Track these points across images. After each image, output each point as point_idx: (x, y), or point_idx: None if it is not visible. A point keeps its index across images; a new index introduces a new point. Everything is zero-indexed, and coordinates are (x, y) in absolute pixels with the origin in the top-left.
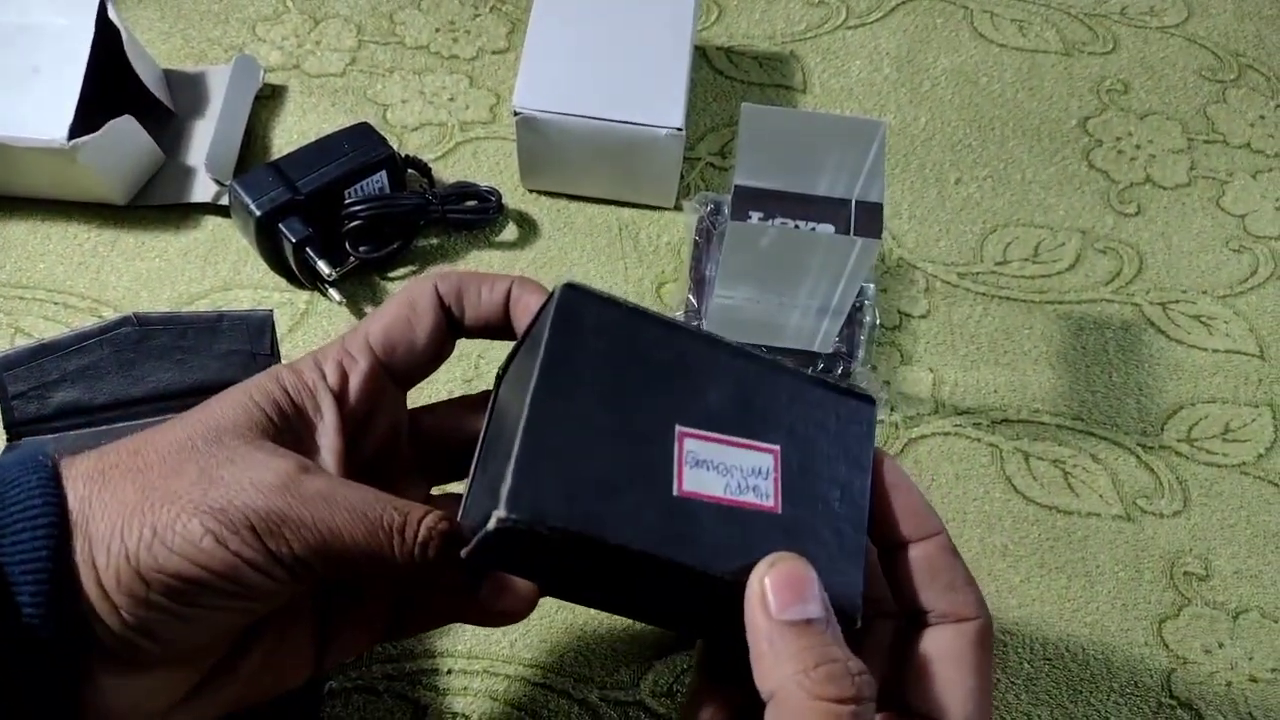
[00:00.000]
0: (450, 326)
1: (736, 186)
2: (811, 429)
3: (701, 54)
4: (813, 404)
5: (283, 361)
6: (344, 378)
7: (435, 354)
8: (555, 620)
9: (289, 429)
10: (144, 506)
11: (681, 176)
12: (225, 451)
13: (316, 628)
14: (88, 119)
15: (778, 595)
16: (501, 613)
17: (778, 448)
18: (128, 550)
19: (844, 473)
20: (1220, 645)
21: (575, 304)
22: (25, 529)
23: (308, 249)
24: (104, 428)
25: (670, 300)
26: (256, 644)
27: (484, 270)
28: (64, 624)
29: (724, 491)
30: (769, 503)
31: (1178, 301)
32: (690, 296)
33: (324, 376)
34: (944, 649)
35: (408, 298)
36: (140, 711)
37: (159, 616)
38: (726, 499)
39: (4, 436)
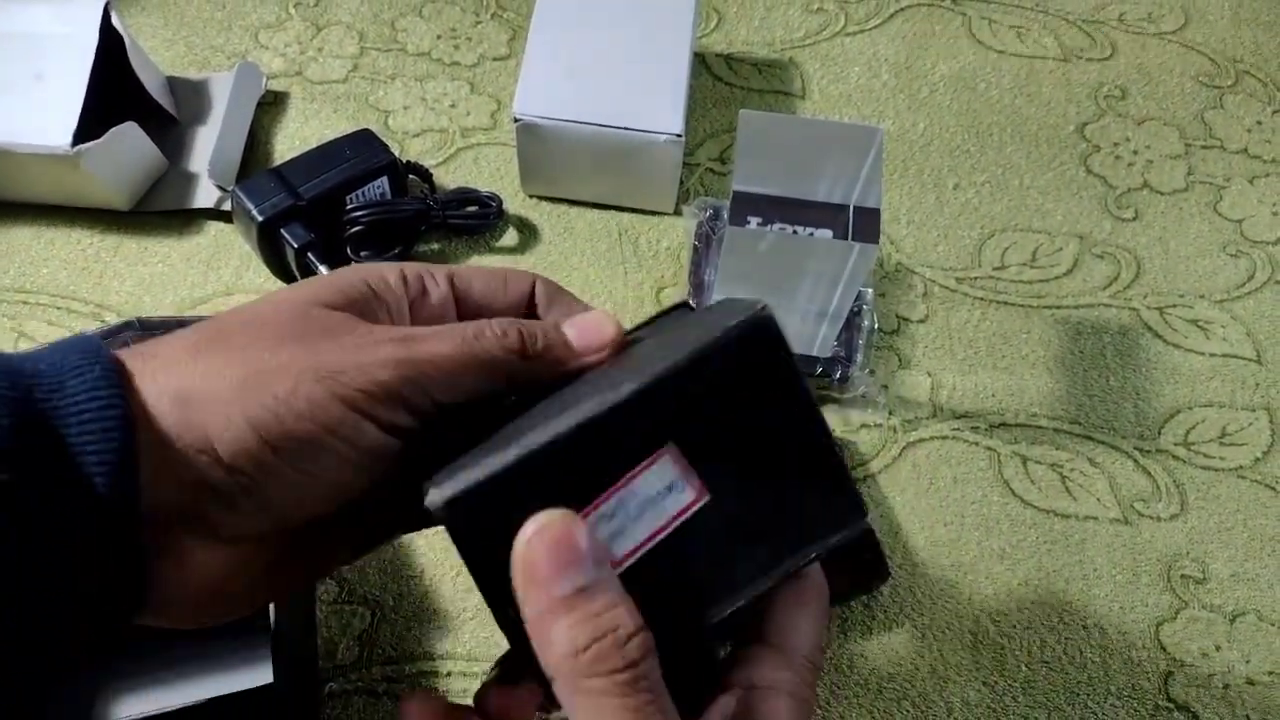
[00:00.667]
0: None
1: (735, 192)
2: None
3: (701, 61)
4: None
5: None
6: (423, 292)
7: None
8: None
9: (363, 314)
10: (256, 378)
11: (681, 182)
12: (316, 322)
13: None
14: (91, 125)
15: (544, 567)
16: None
17: (669, 448)
18: (249, 418)
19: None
20: (1217, 648)
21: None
22: (89, 397)
23: (310, 254)
24: None
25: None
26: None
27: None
28: (127, 491)
29: (648, 532)
30: (692, 497)
31: (1175, 306)
32: (690, 301)
33: (405, 281)
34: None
35: (504, 272)
36: (215, 587)
37: (264, 478)
38: (656, 533)
39: None
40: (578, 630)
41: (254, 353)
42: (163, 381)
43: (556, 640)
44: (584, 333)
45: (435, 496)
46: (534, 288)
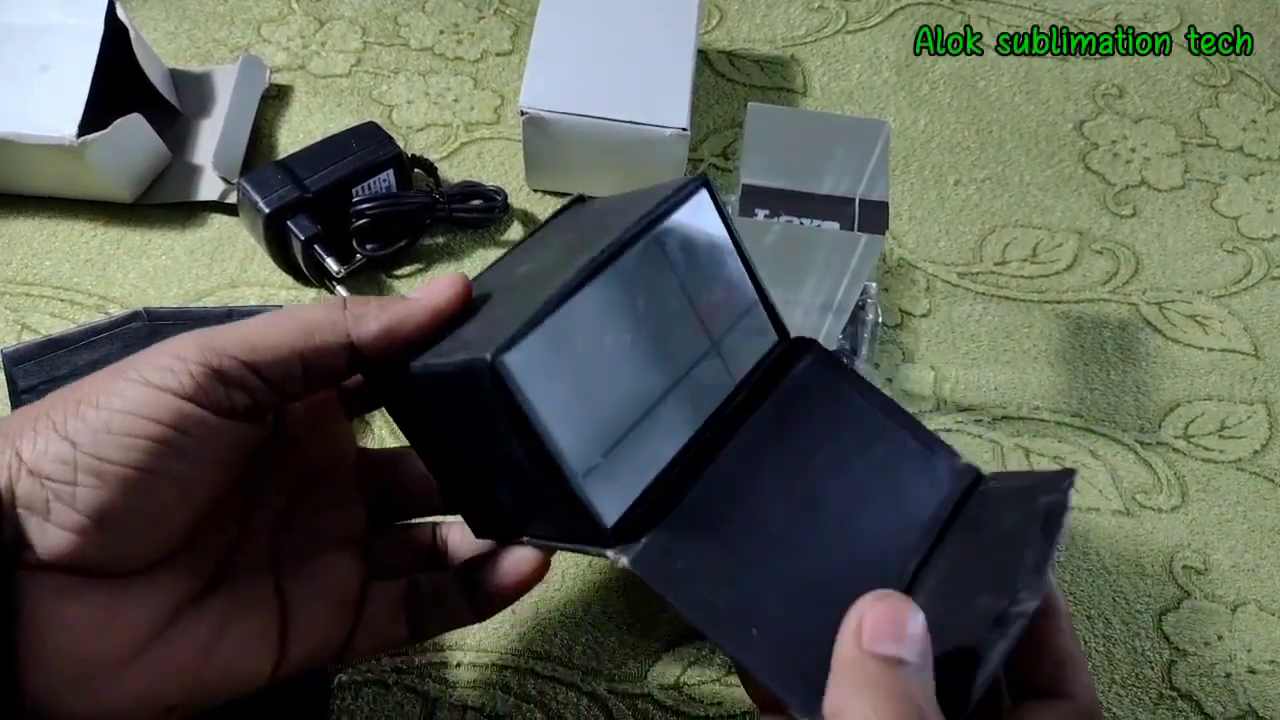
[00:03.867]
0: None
1: (743, 185)
2: None
3: (703, 58)
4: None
5: None
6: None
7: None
8: (565, 614)
9: None
10: (65, 396)
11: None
12: (134, 354)
13: (278, 611)
14: (96, 117)
15: (873, 627)
16: (516, 583)
17: None
18: (56, 426)
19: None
20: (1219, 638)
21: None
22: None
23: (316, 246)
24: None
25: None
26: (213, 601)
27: None
28: None
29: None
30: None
31: (1173, 301)
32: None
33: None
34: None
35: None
36: (93, 653)
37: (92, 482)
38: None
39: None
40: (883, 692)
41: (67, 390)
42: None
43: (861, 683)
44: (425, 287)
45: (475, 355)
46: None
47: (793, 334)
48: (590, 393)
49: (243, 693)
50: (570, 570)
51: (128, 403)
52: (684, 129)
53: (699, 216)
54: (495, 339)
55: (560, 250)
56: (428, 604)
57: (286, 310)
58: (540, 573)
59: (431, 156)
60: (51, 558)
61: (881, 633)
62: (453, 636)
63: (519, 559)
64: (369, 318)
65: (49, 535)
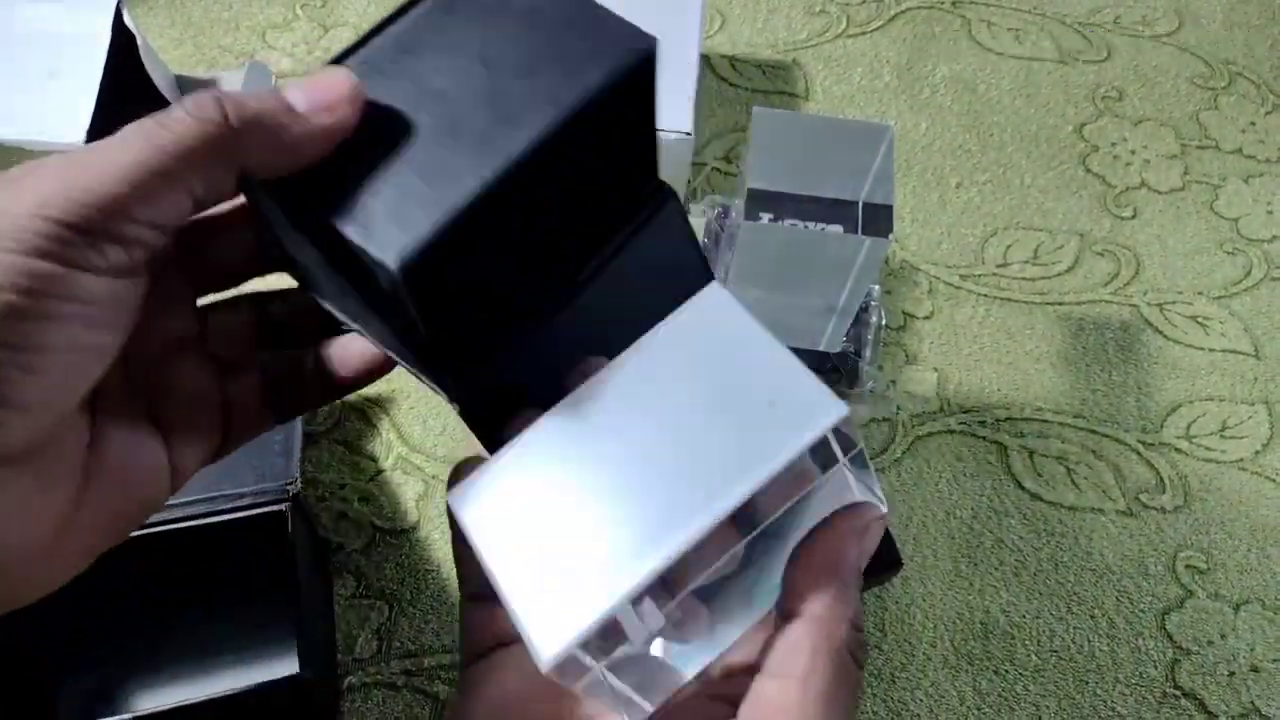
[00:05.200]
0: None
1: (749, 189)
2: None
3: (706, 62)
4: None
5: None
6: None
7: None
8: None
9: None
10: None
11: (688, 181)
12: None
13: (162, 438)
14: (104, 122)
15: (869, 547)
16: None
17: None
18: None
19: None
20: (1222, 636)
21: None
22: None
23: None
24: None
25: None
26: (103, 448)
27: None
28: None
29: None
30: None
31: (1174, 302)
32: None
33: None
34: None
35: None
36: (13, 537)
37: None
38: None
39: None
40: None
41: None
42: None
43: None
44: (310, 90)
45: (383, 254)
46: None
47: (798, 337)
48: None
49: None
50: None
51: (7, 278)
52: (688, 133)
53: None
54: (405, 235)
55: (474, 82)
56: (285, 390)
57: (149, 133)
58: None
59: None
60: None
61: (865, 550)
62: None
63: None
64: (261, 139)
65: None
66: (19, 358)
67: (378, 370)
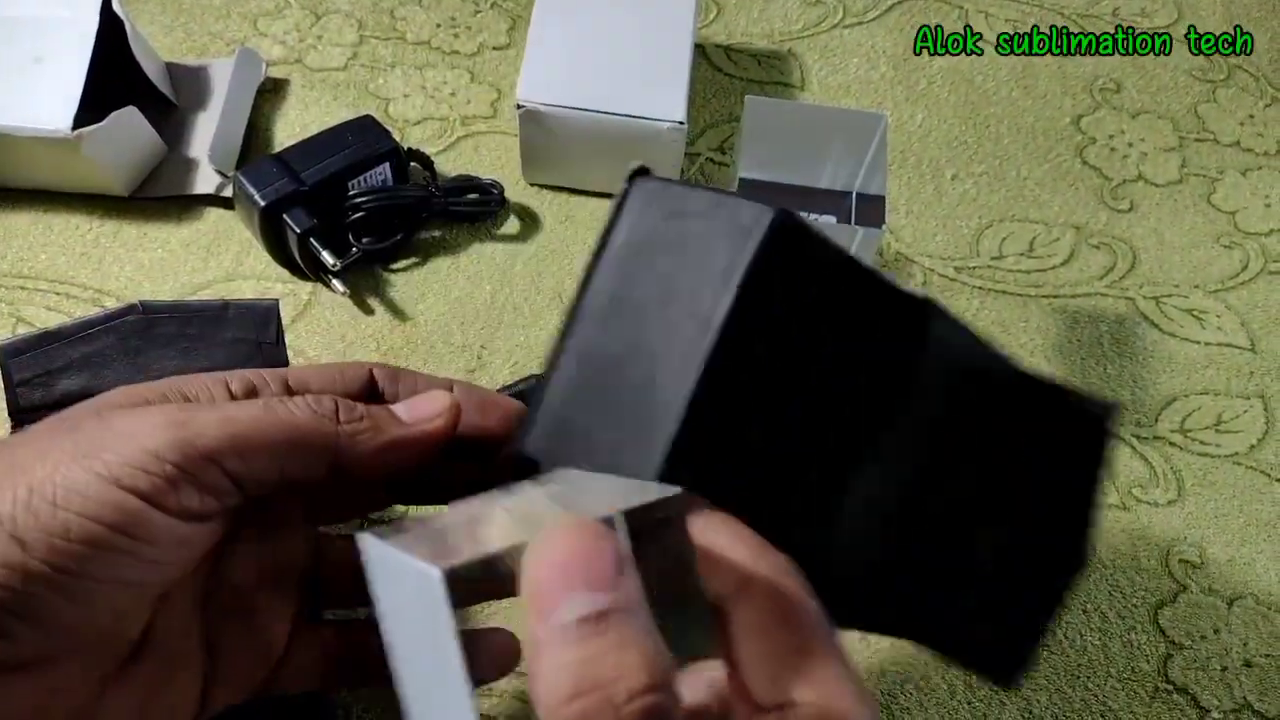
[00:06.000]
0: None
1: (741, 179)
2: None
3: (700, 51)
4: None
5: (288, 351)
6: (253, 393)
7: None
8: None
9: None
10: (14, 471)
11: (681, 171)
12: (103, 419)
13: (203, 669)
14: (91, 110)
15: (543, 591)
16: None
17: None
18: (3, 518)
19: None
20: (1215, 631)
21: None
22: None
23: (312, 239)
24: None
25: None
26: (139, 668)
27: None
28: None
29: None
30: None
31: (1170, 296)
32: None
33: (228, 386)
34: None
35: (338, 365)
36: None
37: (40, 590)
38: None
39: (9, 424)
40: (565, 675)
41: (9, 449)
42: None
43: (543, 676)
44: (415, 405)
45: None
46: (372, 374)
47: None
48: None
49: None
50: None
51: (89, 504)
52: (681, 122)
53: None
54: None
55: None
56: (354, 662)
57: (270, 408)
58: (516, 660)
59: (428, 150)
60: None
61: (552, 597)
62: None
63: (500, 637)
64: (362, 439)
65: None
66: (64, 581)
67: None
